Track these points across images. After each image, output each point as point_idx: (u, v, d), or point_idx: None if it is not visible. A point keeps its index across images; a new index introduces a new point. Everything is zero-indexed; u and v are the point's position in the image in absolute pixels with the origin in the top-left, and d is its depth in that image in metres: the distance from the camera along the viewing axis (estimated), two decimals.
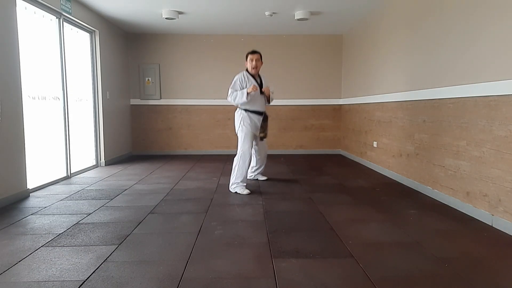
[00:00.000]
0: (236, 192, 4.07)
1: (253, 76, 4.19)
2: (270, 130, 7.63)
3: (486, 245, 2.57)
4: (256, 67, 4.15)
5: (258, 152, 4.51)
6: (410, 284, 1.99)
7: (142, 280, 2.04)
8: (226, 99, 4.18)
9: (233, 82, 4.14)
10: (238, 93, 4.04)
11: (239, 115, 4.18)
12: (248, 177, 4.34)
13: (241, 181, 4.09)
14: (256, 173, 4.74)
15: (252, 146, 4.21)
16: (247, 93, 3.99)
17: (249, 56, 4.15)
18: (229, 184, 4.21)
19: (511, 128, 2.75)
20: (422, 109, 4.10)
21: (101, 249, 2.47)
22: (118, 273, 2.12)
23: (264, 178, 4.78)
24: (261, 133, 4.29)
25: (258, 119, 4.21)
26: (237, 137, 4.22)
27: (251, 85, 4.07)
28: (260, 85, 4.20)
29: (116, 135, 6.61)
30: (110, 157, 6.28)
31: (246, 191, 4.03)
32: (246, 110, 4.14)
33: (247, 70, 4.20)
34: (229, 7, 5.42)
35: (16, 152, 3.79)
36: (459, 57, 3.43)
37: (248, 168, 4.18)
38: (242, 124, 4.13)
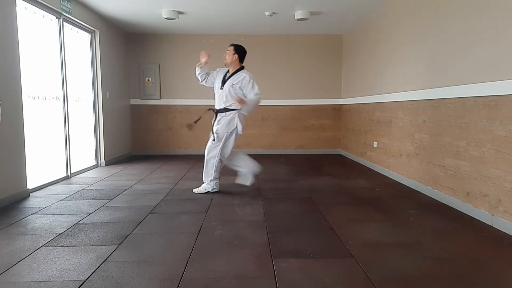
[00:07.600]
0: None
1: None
2: (270, 130, 7.80)
3: (486, 245, 2.57)
4: (225, 59, 4.15)
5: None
6: (410, 284, 1.99)
7: (142, 280, 2.04)
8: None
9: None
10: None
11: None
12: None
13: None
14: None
15: None
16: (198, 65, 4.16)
17: None
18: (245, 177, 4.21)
19: (511, 128, 2.75)
20: (422, 109, 4.09)
21: (101, 249, 2.47)
22: (118, 273, 2.12)
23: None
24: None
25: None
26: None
27: (218, 77, 4.19)
28: (224, 81, 4.09)
29: (116, 135, 6.61)
30: (110, 157, 6.27)
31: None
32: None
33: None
34: (229, 7, 5.42)
35: (16, 152, 3.79)
36: (459, 57, 3.43)
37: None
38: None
